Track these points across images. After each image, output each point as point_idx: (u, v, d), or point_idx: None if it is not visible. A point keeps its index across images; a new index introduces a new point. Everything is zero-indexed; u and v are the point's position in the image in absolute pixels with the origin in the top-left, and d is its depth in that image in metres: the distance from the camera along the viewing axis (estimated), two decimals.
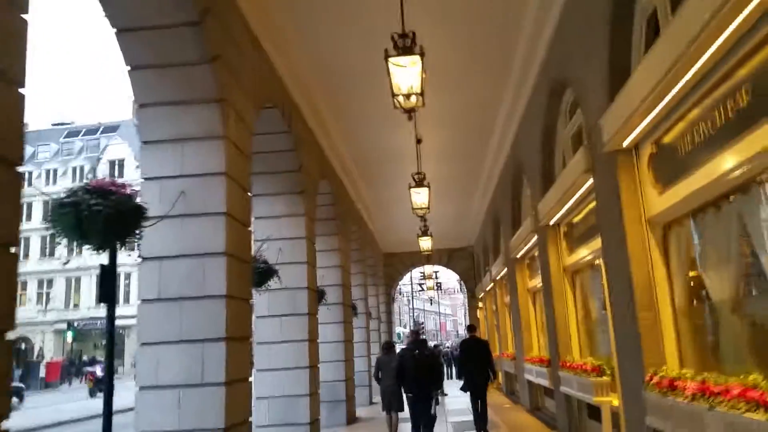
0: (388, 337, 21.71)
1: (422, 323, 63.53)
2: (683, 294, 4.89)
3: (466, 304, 26.62)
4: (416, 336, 8.43)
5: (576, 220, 7.98)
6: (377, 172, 13.16)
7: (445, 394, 14.93)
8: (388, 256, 23.27)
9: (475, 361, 9.73)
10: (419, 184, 8.23)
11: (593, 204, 6.97)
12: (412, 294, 48.70)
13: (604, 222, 5.99)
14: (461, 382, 9.91)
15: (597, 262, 7.34)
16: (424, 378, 7.62)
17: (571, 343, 8.50)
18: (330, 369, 11.40)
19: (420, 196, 8.35)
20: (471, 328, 11.26)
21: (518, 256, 11.93)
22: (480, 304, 22.83)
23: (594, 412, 7.82)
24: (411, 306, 54.97)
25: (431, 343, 27.88)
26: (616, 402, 6.61)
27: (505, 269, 13.81)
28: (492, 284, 16.99)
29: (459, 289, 40.79)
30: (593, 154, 6.01)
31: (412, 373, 7.62)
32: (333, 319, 11.45)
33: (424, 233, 12.99)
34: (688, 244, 4.74)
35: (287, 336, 8.29)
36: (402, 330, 45.61)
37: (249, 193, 5.93)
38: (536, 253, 10.59)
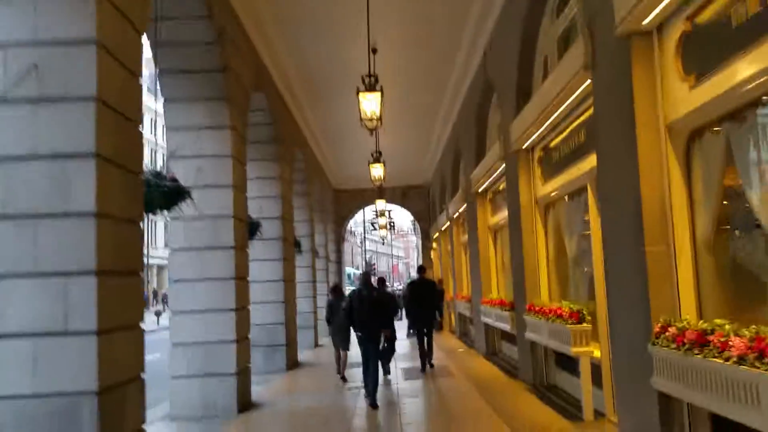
0: (337, 278, 20.59)
1: (374, 264, 63.03)
2: (710, 223, 3.76)
3: (420, 246, 25.68)
4: (367, 277, 8.02)
5: (555, 143, 6.78)
6: (326, 92, 11.52)
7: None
8: (338, 192, 21.86)
9: (422, 301, 10.09)
10: (370, 88, 6.73)
11: (582, 118, 5.77)
12: (364, 233, 47.68)
13: (604, 132, 4.75)
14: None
15: (571, 193, 6.21)
16: (373, 318, 7.49)
17: (540, 285, 7.49)
18: (268, 311, 10.14)
19: (370, 104, 6.85)
20: (421, 269, 11.52)
21: (480, 189, 10.78)
22: (434, 245, 21.88)
23: (563, 361, 6.89)
24: (363, 247, 54.06)
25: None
26: (597, 353, 5.63)
27: (464, 206, 12.67)
28: (448, 223, 15.91)
29: (413, 231, 39.97)
30: (595, 46, 4.70)
31: (361, 314, 7.47)
32: (270, 255, 10.09)
33: (377, 159, 11.49)
34: (726, 155, 3.54)
35: (209, 273, 6.89)
36: (353, 271, 44.70)
37: (140, 80, 4.37)
38: (501, 186, 9.47)
